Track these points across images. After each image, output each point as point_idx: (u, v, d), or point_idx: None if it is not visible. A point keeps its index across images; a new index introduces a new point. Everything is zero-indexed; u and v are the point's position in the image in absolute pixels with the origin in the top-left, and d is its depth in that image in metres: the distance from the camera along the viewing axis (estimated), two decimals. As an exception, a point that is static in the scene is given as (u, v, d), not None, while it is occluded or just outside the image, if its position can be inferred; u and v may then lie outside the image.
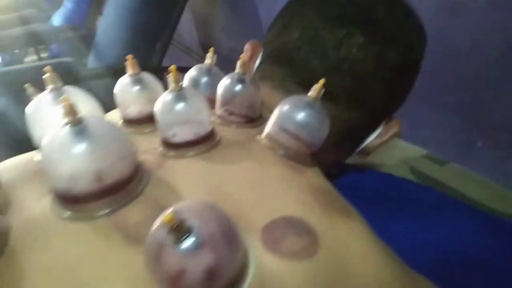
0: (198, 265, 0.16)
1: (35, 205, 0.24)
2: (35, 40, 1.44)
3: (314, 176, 0.27)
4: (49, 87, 0.27)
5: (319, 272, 0.19)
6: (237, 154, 0.28)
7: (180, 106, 0.26)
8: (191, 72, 0.36)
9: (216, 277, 0.17)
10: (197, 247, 0.16)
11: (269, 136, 0.29)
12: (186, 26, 1.66)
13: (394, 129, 0.39)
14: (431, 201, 0.42)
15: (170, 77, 0.26)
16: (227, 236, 0.17)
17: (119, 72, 0.32)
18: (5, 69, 1.15)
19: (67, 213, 0.22)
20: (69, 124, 0.21)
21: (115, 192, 0.22)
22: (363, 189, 0.41)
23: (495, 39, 0.62)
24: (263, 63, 0.42)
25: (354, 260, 0.21)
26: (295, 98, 0.29)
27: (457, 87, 0.69)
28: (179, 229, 0.15)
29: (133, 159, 0.23)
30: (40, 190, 0.25)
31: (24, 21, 1.48)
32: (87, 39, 1.34)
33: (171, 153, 0.27)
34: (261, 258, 0.20)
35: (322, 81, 0.28)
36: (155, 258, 0.16)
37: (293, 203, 0.23)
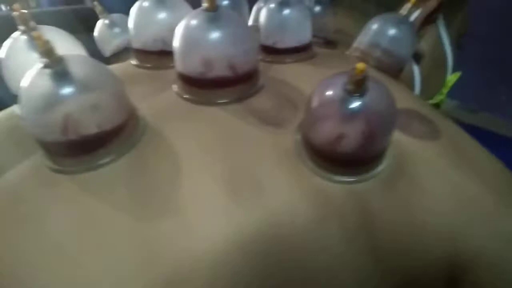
0: (358, 127, 0.18)
1: (155, 98, 0.24)
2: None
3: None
4: None
5: (446, 153, 0.21)
6: (336, 62, 0.29)
7: (286, 11, 0.27)
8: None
9: (371, 143, 0.18)
10: (364, 109, 0.18)
11: (359, 50, 0.30)
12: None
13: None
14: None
15: (277, -17, 0.27)
16: (389, 109, 0.19)
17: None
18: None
19: (200, 99, 0.23)
20: (206, 10, 0.21)
21: (245, 81, 0.23)
22: None
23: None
24: None
25: (470, 151, 0.23)
26: (388, 15, 0.30)
27: (483, 41, 0.71)
28: (360, 83, 0.17)
29: (256, 53, 0.24)
30: (148, 88, 0.26)
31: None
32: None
33: (270, 58, 0.28)
34: (395, 136, 0.21)
35: (413, 0, 0.29)
36: (323, 111, 0.18)
37: (405, 99, 0.25)
